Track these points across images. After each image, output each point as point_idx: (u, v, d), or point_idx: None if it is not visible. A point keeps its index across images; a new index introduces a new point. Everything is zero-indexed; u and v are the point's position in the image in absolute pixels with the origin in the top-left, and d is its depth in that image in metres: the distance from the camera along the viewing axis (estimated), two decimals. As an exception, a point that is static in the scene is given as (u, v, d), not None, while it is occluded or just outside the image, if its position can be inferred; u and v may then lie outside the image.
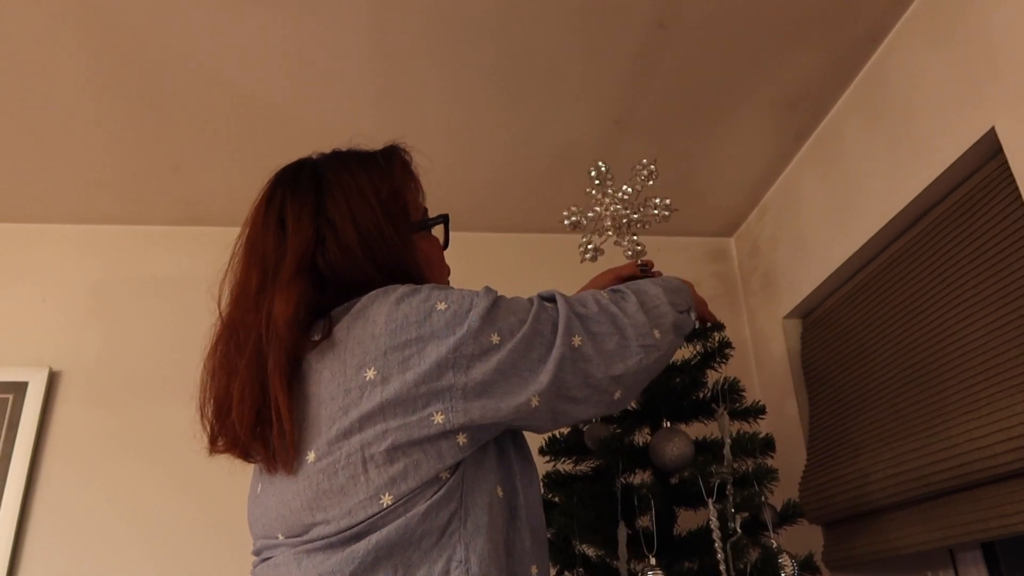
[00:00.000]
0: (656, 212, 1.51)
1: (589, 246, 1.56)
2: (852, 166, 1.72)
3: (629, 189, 1.51)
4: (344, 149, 0.99)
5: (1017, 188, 1.27)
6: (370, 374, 0.79)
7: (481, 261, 2.22)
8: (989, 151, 1.35)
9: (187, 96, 1.67)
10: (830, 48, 1.61)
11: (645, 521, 1.33)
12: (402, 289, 0.84)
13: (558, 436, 1.51)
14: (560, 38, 1.56)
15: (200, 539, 1.82)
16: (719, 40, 1.58)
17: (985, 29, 1.33)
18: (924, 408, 1.45)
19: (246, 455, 0.86)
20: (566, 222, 1.57)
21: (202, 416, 0.88)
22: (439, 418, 0.78)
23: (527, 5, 1.47)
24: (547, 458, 1.51)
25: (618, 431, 1.39)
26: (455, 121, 1.80)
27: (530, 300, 0.90)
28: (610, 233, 1.53)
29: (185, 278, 2.09)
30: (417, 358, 0.79)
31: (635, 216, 1.51)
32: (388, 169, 0.96)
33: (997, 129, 1.29)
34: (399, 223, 0.92)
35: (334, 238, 0.88)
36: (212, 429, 0.87)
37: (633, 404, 1.46)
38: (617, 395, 0.93)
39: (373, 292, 0.85)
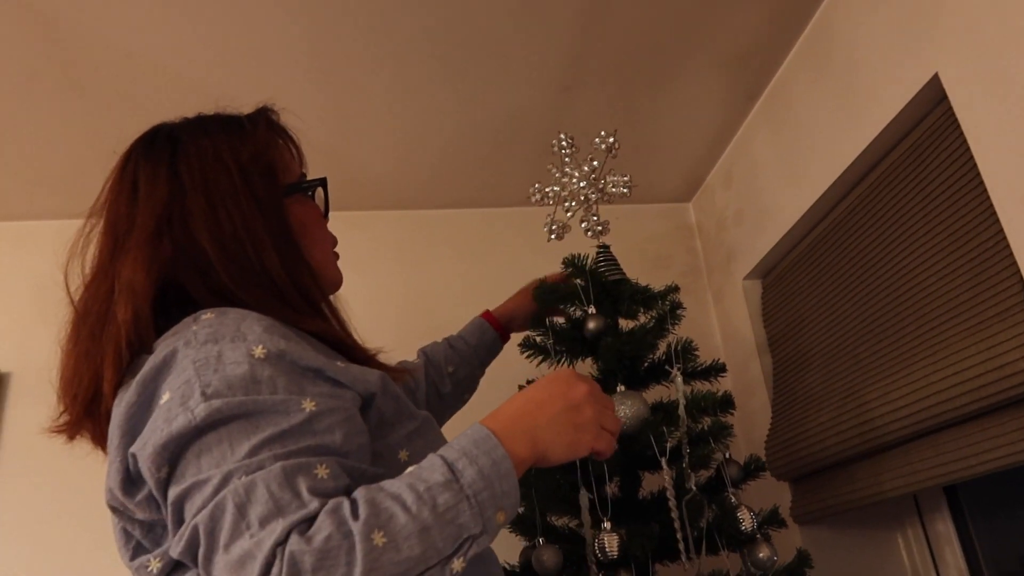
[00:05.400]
0: (615, 190, 1.49)
1: (553, 225, 1.53)
2: (802, 123, 1.71)
3: (586, 168, 1.48)
4: (209, 113, 0.93)
5: (963, 133, 1.27)
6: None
7: (439, 239, 2.20)
8: (934, 98, 1.35)
9: (119, 79, 1.61)
10: (775, 2, 1.60)
11: (614, 487, 1.32)
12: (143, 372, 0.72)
13: None
14: (500, 4, 1.52)
15: (164, 535, 1.78)
16: (663, -1, 1.56)
17: (925, -25, 1.32)
18: (884, 357, 1.46)
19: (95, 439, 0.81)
20: (532, 199, 1.54)
21: (63, 405, 0.81)
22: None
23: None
24: None
25: None
26: (397, 97, 1.75)
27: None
28: (571, 212, 1.51)
29: (134, 271, 2.03)
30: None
31: (593, 196, 1.48)
32: (252, 131, 0.89)
33: (940, 75, 1.29)
34: (259, 187, 0.85)
35: (180, 206, 0.81)
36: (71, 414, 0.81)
37: (593, 373, 1.44)
38: None
39: (150, 360, 0.72)
